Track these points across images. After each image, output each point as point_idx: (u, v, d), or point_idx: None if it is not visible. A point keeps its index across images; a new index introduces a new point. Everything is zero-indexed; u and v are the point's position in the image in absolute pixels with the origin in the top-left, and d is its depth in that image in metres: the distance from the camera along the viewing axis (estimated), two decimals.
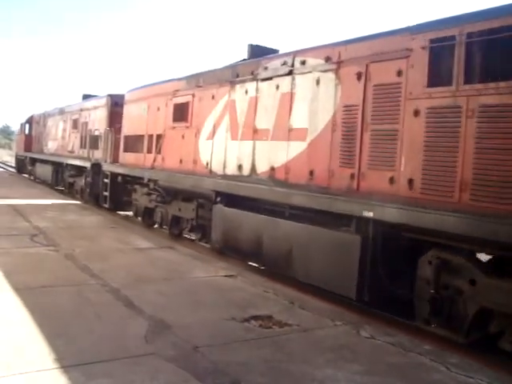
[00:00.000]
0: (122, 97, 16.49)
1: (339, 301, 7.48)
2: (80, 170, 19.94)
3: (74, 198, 20.25)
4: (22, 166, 32.51)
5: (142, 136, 14.25)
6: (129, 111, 15.67)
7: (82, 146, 20.30)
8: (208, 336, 5.54)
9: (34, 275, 7.60)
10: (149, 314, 6.15)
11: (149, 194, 13.65)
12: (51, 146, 25.77)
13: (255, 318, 6.28)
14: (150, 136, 13.75)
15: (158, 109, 13.45)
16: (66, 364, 4.55)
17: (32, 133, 30.71)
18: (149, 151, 13.79)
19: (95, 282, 7.54)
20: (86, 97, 22.69)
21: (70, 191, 21.67)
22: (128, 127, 15.56)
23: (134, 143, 14.91)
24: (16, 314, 5.89)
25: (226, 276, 8.44)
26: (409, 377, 4.87)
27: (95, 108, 19.38)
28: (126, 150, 15.54)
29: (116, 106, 17.45)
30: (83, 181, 19.39)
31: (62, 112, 24.24)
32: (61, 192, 22.62)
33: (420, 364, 5.24)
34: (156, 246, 10.91)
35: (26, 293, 6.67)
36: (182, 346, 5.20)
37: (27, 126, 31.74)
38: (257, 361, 4.95)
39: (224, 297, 7.18)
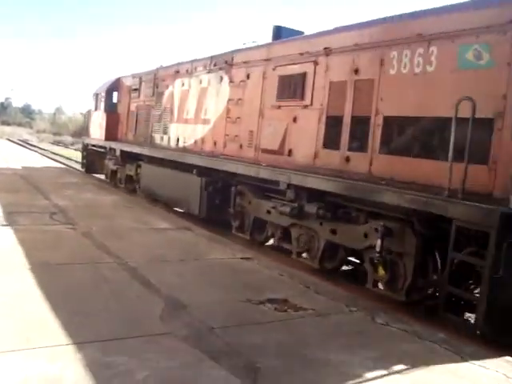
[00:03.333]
0: None
1: (354, 287, 7.49)
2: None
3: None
4: (95, 161, 21.26)
5: None
6: None
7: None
8: (223, 317, 5.58)
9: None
10: (165, 294, 6.20)
11: None
12: (181, 133, 13.80)
13: (270, 300, 6.29)
14: None
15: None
16: (82, 340, 4.61)
17: (119, 109, 19.13)
18: None
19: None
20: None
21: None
22: None
23: None
24: (34, 290, 5.96)
25: (242, 258, 8.46)
26: (421, 363, 4.84)
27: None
28: None
29: None
30: None
31: (209, 66, 12.62)
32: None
33: (434, 352, 5.22)
34: (173, 226, 10.96)
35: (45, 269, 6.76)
36: (197, 327, 5.24)
37: (108, 97, 19.59)
38: (271, 343, 4.97)
39: (240, 279, 7.21)
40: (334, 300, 6.63)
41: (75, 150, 44.25)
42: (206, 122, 12.42)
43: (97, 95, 21.02)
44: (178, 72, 14.19)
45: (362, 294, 7.21)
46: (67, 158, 34.07)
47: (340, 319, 5.97)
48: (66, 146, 53.61)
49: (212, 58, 12.58)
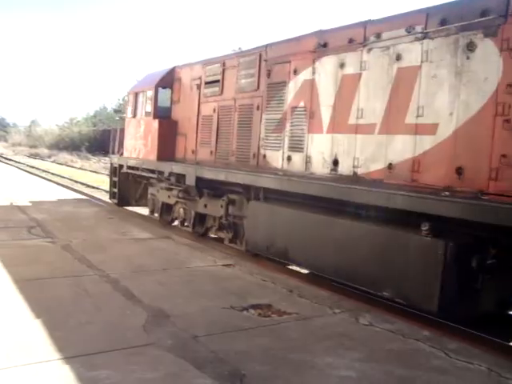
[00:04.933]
0: None
1: (337, 288, 7.50)
2: None
3: None
4: (129, 189, 15.36)
5: None
6: None
7: None
8: (207, 325, 5.55)
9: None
10: (148, 304, 6.16)
11: None
12: (345, 151, 8.09)
13: (254, 306, 6.30)
14: None
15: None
16: (66, 355, 4.55)
17: (175, 114, 13.24)
18: None
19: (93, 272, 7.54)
20: None
21: None
22: None
23: None
24: (14, 305, 5.88)
25: (223, 265, 8.46)
26: (407, 363, 4.88)
27: None
28: None
29: None
30: None
31: (426, 26, 6.92)
32: None
33: (419, 350, 5.26)
34: (154, 236, 10.90)
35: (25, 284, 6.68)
36: (181, 336, 5.21)
37: (158, 97, 13.42)
38: (256, 349, 4.96)
39: (222, 286, 7.19)
40: (317, 303, 6.65)
41: (51, 162, 43.82)
42: (424, 129, 6.74)
43: (136, 95, 14.44)
44: (323, 46, 8.45)
45: (345, 295, 7.22)
46: (61, 177, 29.18)
47: (324, 322, 5.98)
48: (42, 158, 53.04)
49: (439, 10, 6.78)
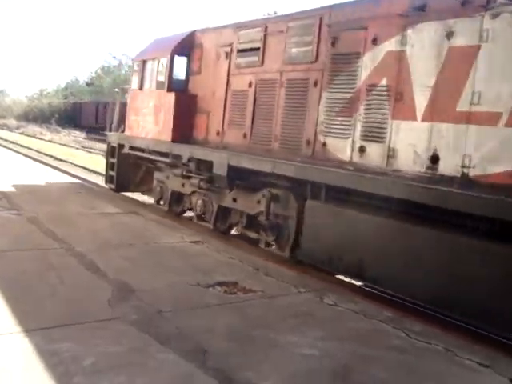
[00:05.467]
0: None
1: (304, 269, 7.57)
2: None
3: None
4: (129, 173, 13.31)
5: None
6: None
7: None
8: (172, 301, 5.56)
9: None
10: (113, 278, 6.13)
11: None
12: (451, 144, 6.34)
13: (220, 283, 6.31)
14: None
15: None
16: (27, 328, 4.51)
17: (194, 88, 11.27)
18: None
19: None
20: None
21: None
22: None
23: None
24: None
25: (191, 242, 8.44)
26: (369, 342, 4.97)
27: None
28: None
29: None
30: None
31: None
32: None
33: (381, 330, 5.35)
34: (121, 210, 10.82)
35: None
36: (146, 311, 5.21)
37: (173, 66, 11.41)
38: (221, 326, 4.99)
39: (189, 262, 7.18)
40: (283, 282, 6.70)
41: (20, 133, 43.05)
42: None
43: (143, 63, 12.30)
44: (420, 9, 6.68)
45: (311, 275, 7.30)
46: (30, 149, 29.37)
47: (289, 301, 6.03)
48: (10, 129, 52.00)
49: None
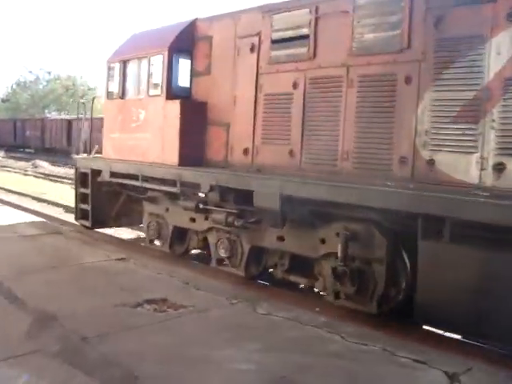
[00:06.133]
0: None
1: (235, 279, 7.41)
2: None
3: None
4: (106, 205, 10.57)
5: None
6: None
7: None
8: (97, 325, 5.22)
9: None
10: (33, 307, 5.71)
11: None
12: None
13: (148, 301, 6.03)
14: None
15: None
16: None
17: (199, 93, 8.88)
18: None
19: None
20: None
21: None
22: None
23: None
24: None
25: (116, 260, 8.08)
26: (306, 350, 4.86)
27: None
28: None
29: None
30: None
31: None
32: None
33: (316, 336, 5.26)
34: (43, 231, 10.26)
35: None
36: (69, 339, 4.87)
37: (171, 67, 8.89)
38: (151, 348, 4.73)
39: (114, 282, 6.85)
40: (214, 294, 6.50)
41: None
42: None
43: (123, 65, 9.75)
44: None
45: (242, 285, 7.14)
46: None
47: (221, 313, 5.84)
48: None
49: None
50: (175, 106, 8.52)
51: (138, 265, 7.81)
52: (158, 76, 8.96)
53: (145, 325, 5.32)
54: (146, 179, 8.99)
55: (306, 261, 7.02)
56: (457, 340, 5.49)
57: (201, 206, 8.02)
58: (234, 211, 7.51)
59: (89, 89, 60.08)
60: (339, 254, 6.15)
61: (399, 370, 4.59)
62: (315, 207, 6.50)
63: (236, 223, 7.45)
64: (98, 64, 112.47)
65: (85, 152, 11.31)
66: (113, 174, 9.75)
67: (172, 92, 8.79)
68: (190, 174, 8.12)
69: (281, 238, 7.12)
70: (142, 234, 10.76)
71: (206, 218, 8.11)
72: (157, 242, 9.51)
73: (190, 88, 8.94)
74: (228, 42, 8.24)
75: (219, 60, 8.44)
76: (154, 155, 8.91)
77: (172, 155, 8.50)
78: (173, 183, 8.45)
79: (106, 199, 10.41)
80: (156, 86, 9.08)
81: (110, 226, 10.92)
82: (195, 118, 8.52)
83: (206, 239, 8.44)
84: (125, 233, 11.88)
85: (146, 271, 7.47)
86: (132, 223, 11.05)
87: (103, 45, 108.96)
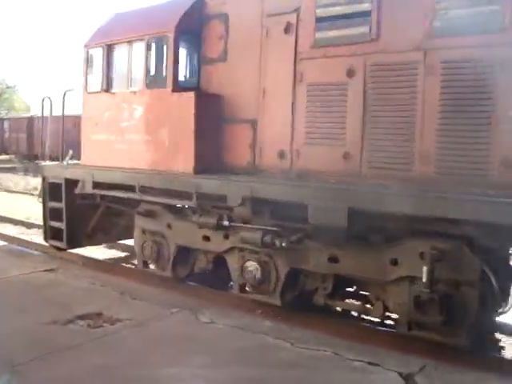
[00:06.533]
0: None
1: (173, 286, 7.04)
2: None
3: None
4: (84, 220, 8.70)
5: None
6: None
7: None
8: (26, 348, 4.74)
9: None
10: None
11: None
12: None
13: (82, 317, 5.58)
14: None
15: None
16: None
17: (220, 82, 7.19)
18: None
19: None
20: None
21: None
22: None
23: None
24: None
25: (45, 271, 7.52)
26: (257, 361, 4.61)
27: None
28: None
29: None
30: None
31: None
32: None
33: (265, 345, 5.03)
34: None
35: None
36: None
37: (173, 48, 7.10)
38: (86, 371, 4.32)
39: (43, 296, 6.33)
40: (152, 304, 6.12)
41: None
42: None
43: (109, 49, 7.92)
44: None
45: (181, 292, 6.78)
46: None
47: (162, 325, 5.48)
48: None
49: None
50: (188, 100, 6.83)
51: (69, 275, 7.30)
52: (160, 63, 7.45)
53: (80, 344, 4.88)
54: (144, 190, 7.29)
55: (352, 283, 6.16)
56: (405, 338, 5.36)
57: (225, 223, 6.46)
58: (272, 228, 6.09)
59: (7, 87, 57.23)
60: (424, 279, 4.98)
61: (354, 375, 4.46)
62: (391, 222, 5.36)
63: (277, 243, 5.92)
64: (18, 61, 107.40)
65: (50, 158, 9.88)
66: (97, 185, 7.90)
67: (179, 83, 7.22)
68: (212, 185, 6.51)
69: (333, 259, 5.81)
70: (120, 253, 9.91)
71: (226, 237, 6.60)
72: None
73: (198, 78, 7.38)
74: (251, 22, 6.74)
75: (239, 44, 6.91)
76: (157, 161, 7.19)
77: (185, 161, 6.85)
78: (186, 195, 6.80)
79: (81, 214, 8.58)
80: (157, 75, 7.56)
81: (85, 245, 9.07)
82: (211, 114, 6.97)
83: (218, 260, 6.97)
84: (96, 252, 9.85)
85: (77, 282, 6.98)
86: (110, 240, 9.52)
87: (23, 41, 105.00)
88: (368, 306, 5.96)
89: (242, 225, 6.35)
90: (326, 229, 5.52)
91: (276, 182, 6.09)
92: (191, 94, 6.86)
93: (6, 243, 9.69)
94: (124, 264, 8.93)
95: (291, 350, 4.89)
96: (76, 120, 9.25)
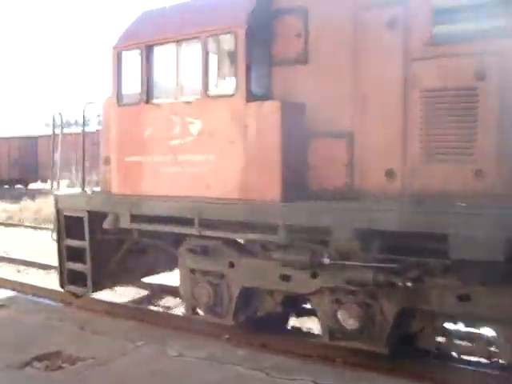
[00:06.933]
0: None
1: (135, 315, 6.68)
2: None
3: None
4: (104, 261, 7.23)
5: None
6: None
7: None
8: None
9: None
10: None
11: None
12: None
13: (39, 358, 5.17)
14: None
15: None
16: None
17: (285, 85, 6.07)
18: None
19: None
20: None
21: None
22: None
23: None
24: None
25: None
26: None
27: None
28: None
29: None
30: None
31: None
32: None
33: (239, 376, 4.75)
34: None
35: None
36: None
37: (244, 48, 5.80)
38: None
39: None
40: (114, 337, 5.74)
41: None
42: None
43: (147, 51, 6.51)
44: None
45: (146, 322, 6.43)
46: None
47: (128, 362, 5.11)
48: None
49: None
50: (272, 112, 5.62)
51: (22, 311, 6.82)
52: (225, 66, 6.41)
53: None
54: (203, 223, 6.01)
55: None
56: (383, 358, 5.15)
57: (326, 260, 5.29)
58: (386, 265, 5.04)
59: None
60: None
61: None
62: None
63: (399, 283, 4.95)
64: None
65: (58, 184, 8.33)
66: (135, 218, 6.59)
67: (252, 91, 5.91)
68: (311, 214, 5.36)
69: (464, 298, 4.86)
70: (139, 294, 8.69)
71: (314, 276, 5.48)
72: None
73: (269, 83, 6.18)
74: (340, 16, 5.72)
75: (324, 42, 5.84)
76: (226, 187, 5.88)
77: (268, 186, 5.62)
78: (268, 228, 5.60)
79: (103, 252, 7.19)
80: (220, 81, 6.54)
81: (108, 287, 7.83)
82: (297, 127, 5.81)
83: (286, 301, 5.99)
84: (108, 293, 8.36)
85: (31, 318, 6.52)
86: (134, 279, 8.28)
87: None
88: (493, 349, 5.08)
89: (349, 262, 5.21)
90: (468, 263, 4.56)
91: (404, 210, 4.97)
92: (276, 104, 5.65)
93: None
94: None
95: (267, 380, 4.64)
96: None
